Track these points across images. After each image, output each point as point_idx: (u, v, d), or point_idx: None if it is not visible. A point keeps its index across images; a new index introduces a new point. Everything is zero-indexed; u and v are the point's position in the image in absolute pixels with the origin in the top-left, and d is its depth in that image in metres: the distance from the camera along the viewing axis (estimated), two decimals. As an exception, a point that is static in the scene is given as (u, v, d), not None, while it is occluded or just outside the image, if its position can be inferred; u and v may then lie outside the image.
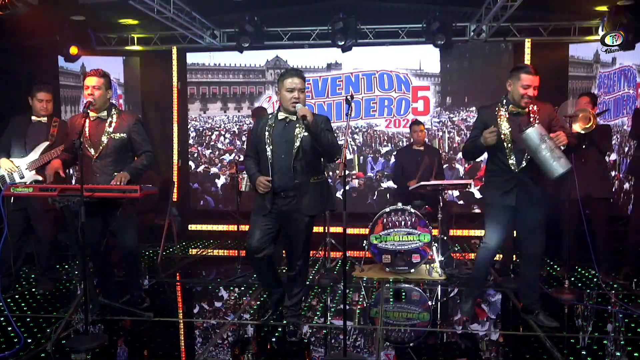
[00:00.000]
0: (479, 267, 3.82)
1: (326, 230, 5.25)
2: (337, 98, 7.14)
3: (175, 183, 7.08)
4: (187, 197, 7.48)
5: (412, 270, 5.03)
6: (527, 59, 6.65)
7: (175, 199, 6.87)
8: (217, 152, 7.43)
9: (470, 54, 7.06)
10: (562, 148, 3.34)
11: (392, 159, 6.72)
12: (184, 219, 7.30)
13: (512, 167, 3.53)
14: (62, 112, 7.21)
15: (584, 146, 4.62)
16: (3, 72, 6.50)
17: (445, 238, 5.28)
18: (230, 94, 7.40)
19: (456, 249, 5.65)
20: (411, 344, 3.50)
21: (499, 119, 3.54)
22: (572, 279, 4.79)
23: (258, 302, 4.26)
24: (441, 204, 5.18)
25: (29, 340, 3.38)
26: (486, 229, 3.71)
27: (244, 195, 5.08)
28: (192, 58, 7.42)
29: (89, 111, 3.63)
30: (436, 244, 5.11)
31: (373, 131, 7.13)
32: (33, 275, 4.93)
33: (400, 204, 5.11)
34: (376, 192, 7.14)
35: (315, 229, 3.83)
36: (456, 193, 6.98)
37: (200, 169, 7.47)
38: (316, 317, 3.95)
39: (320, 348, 3.37)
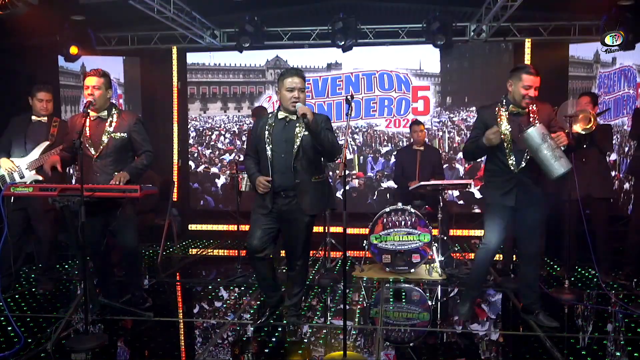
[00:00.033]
0: (478, 267, 3.81)
1: (326, 230, 5.25)
2: (337, 98, 7.14)
3: (175, 183, 7.08)
4: (187, 197, 7.48)
5: (412, 270, 5.03)
6: (527, 59, 6.66)
7: (175, 199, 6.87)
8: (217, 152, 7.44)
9: (470, 54, 7.06)
10: (563, 148, 3.34)
11: (392, 159, 6.72)
12: (184, 219, 7.30)
13: (512, 168, 3.53)
14: (62, 112, 7.21)
15: (584, 146, 4.62)
16: (3, 72, 6.50)
17: (445, 238, 5.28)
18: (230, 94, 7.40)
19: (456, 249, 5.65)
20: (411, 344, 3.49)
21: (499, 119, 3.54)
22: (572, 279, 4.79)
23: (258, 302, 4.26)
24: (441, 204, 5.18)
25: (29, 340, 3.38)
26: (485, 229, 3.70)
27: (244, 195, 5.08)
28: (192, 58, 7.42)
29: (89, 111, 3.64)
30: (436, 244, 5.11)
31: (373, 131, 7.13)
32: (33, 275, 4.93)
33: (400, 204, 5.11)
34: (376, 192, 7.14)
35: (315, 229, 3.83)
36: (456, 193, 6.98)
37: (200, 169, 7.47)
38: (316, 317, 3.95)
39: (320, 348, 3.37)
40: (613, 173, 6.30)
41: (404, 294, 4.56)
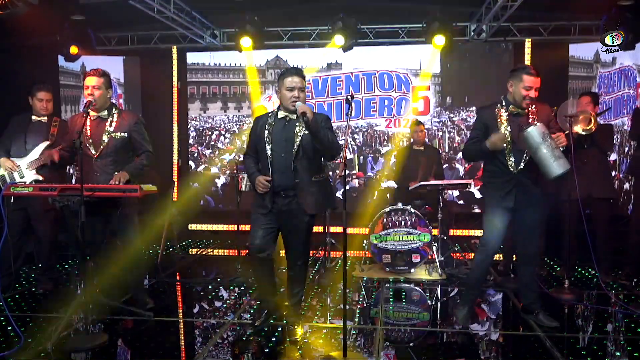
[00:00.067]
0: (477, 268, 3.79)
1: (326, 230, 5.25)
2: (337, 98, 7.14)
3: (175, 183, 7.08)
4: (187, 197, 7.47)
5: (412, 270, 5.02)
6: (527, 59, 6.65)
7: (175, 199, 6.87)
8: (217, 152, 7.44)
9: (470, 54, 7.06)
10: (562, 149, 3.34)
11: (392, 159, 6.72)
12: (184, 219, 7.29)
13: (511, 168, 3.53)
14: (62, 111, 7.21)
15: (585, 146, 4.62)
16: (3, 72, 6.50)
17: (445, 238, 5.28)
18: (230, 94, 7.40)
19: (456, 249, 5.65)
20: (411, 344, 3.50)
21: (498, 120, 3.54)
22: (572, 279, 4.79)
23: (258, 302, 4.25)
24: (441, 204, 5.18)
25: (29, 340, 3.38)
26: (485, 230, 3.69)
27: (244, 195, 5.08)
28: (192, 58, 7.42)
29: (89, 110, 3.64)
30: (436, 244, 5.10)
31: (373, 131, 7.13)
32: (33, 275, 4.93)
33: (400, 204, 5.11)
34: (376, 192, 7.14)
35: (315, 229, 3.82)
36: (456, 193, 6.98)
37: (200, 168, 7.47)
38: (316, 317, 3.95)
39: (320, 348, 3.37)
40: (613, 173, 6.30)
41: (404, 294, 4.56)
